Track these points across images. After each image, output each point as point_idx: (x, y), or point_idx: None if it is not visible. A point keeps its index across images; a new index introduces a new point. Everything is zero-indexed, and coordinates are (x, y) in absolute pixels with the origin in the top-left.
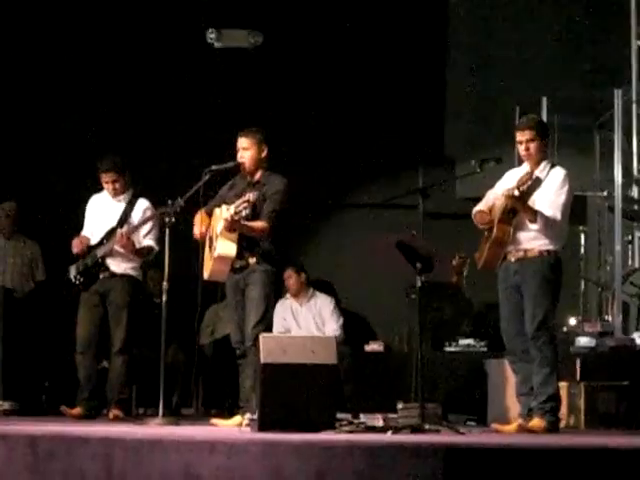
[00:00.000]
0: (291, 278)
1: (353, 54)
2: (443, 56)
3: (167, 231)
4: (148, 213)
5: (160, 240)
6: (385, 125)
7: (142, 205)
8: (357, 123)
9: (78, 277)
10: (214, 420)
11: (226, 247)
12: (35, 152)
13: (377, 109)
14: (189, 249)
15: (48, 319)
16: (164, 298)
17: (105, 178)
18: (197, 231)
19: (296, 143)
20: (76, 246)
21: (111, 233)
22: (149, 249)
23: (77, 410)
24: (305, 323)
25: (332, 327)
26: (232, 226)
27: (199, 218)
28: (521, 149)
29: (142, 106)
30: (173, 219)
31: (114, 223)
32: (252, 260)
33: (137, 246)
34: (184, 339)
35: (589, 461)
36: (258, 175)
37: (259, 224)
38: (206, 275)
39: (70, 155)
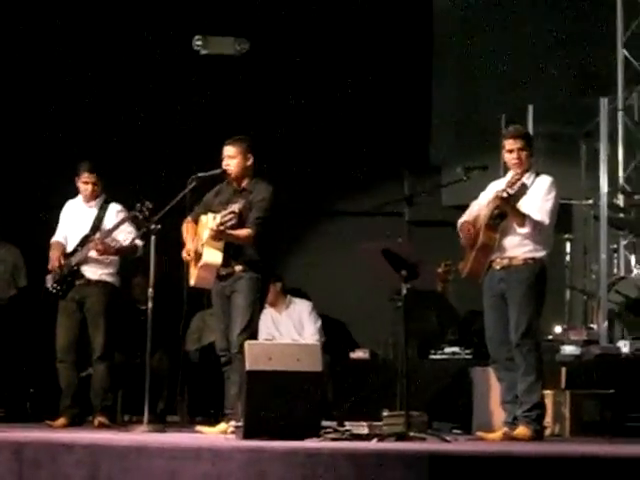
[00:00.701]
0: None
1: (339, 62)
2: (429, 64)
3: (153, 238)
4: (121, 215)
5: (140, 237)
6: (371, 133)
7: (114, 209)
8: (343, 131)
9: (55, 286)
10: (199, 427)
11: (212, 255)
12: (15, 158)
13: (363, 117)
14: (175, 256)
15: (32, 325)
16: (150, 305)
17: (86, 178)
18: (185, 242)
19: (282, 151)
20: (52, 261)
21: (85, 240)
22: (133, 247)
23: (61, 421)
24: (286, 330)
25: (310, 330)
26: (218, 236)
27: (186, 227)
28: (511, 157)
29: (127, 112)
30: (159, 226)
31: (87, 230)
32: (238, 268)
33: (117, 246)
34: (170, 346)
35: (574, 469)
36: (244, 183)
37: (244, 232)
38: (192, 282)
39: (51, 161)
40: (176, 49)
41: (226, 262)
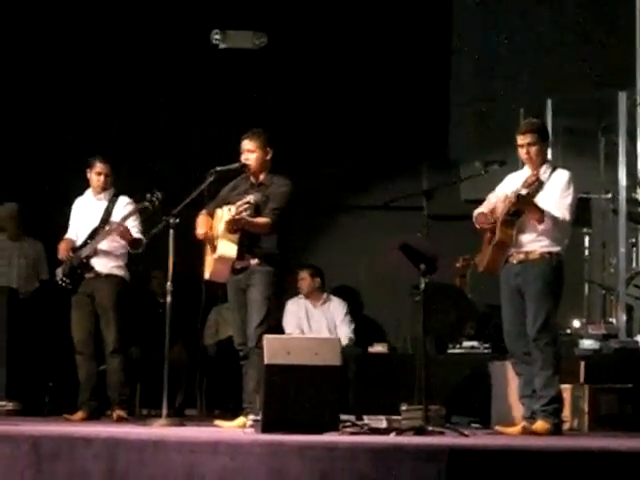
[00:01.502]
0: (304, 280)
1: (357, 55)
2: (447, 58)
3: (172, 232)
4: (129, 208)
5: (143, 232)
6: (389, 127)
7: (123, 201)
8: (361, 125)
9: (64, 279)
10: (218, 421)
11: (227, 248)
12: (36, 152)
13: (381, 111)
14: (193, 249)
15: (53, 319)
16: (168, 299)
17: (99, 169)
18: (200, 231)
19: (301, 144)
20: (61, 252)
21: (95, 233)
22: (139, 241)
23: (79, 414)
24: (317, 326)
25: (345, 331)
26: (234, 225)
27: (201, 219)
28: (522, 153)
29: (146, 107)
30: (177, 220)
31: (97, 222)
32: (253, 261)
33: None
34: (188, 339)
35: (593, 463)
36: (262, 177)
37: (262, 220)
38: (207, 275)
39: (71, 155)
40: (195, 43)
41: (241, 255)
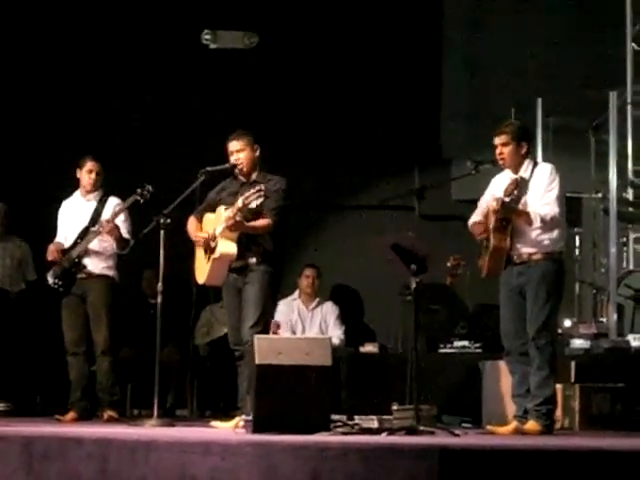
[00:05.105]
0: (308, 278)
1: (349, 55)
2: (439, 57)
3: (162, 232)
4: (120, 207)
5: (132, 234)
6: (381, 126)
7: (113, 202)
8: (353, 124)
9: (57, 281)
10: (214, 422)
11: (227, 246)
12: (23, 152)
13: (373, 110)
14: (184, 250)
15: (41, 319)
16: (159, 299)
17: (91, 167)
18: (193, 234)
19: (291, 144)
20: (51, 254)
21: (85, 233)
22: (127, 241)
23: (71, 415)
24: (311, 327)
25: (336, 333)
26: (235, 227)
27: (190, 224)
28: (497, 153)
29: (136, 107)
30: (168, 220)
31: (86, 223)
32: (252, 260)
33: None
34: (179, 340)
35: (584, 463)
36: (254, 175)
37: (263, 222)
38: (202, 280)
39: (59, 155)
40: (185, 43)
41: (241, 254)
